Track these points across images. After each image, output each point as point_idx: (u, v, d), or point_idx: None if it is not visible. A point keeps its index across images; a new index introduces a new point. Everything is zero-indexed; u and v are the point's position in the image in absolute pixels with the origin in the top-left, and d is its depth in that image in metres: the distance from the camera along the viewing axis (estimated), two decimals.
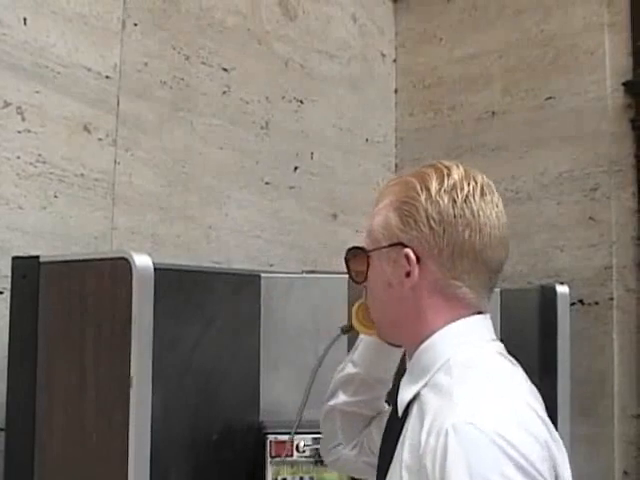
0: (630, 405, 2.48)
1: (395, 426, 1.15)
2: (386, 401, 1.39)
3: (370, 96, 3.00)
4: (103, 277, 1.58)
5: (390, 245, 1.16)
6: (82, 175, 2.08)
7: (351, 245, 1.24)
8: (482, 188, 1.14)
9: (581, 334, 2.45)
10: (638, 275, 2.50)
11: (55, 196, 2.02)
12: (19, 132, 1.95)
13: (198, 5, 2.41)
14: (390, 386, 1.38)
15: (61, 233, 2.02)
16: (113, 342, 1.55)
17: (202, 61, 2.41)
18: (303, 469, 1.85)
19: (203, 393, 1.81)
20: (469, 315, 1.14)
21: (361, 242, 1.24)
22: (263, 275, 2.00)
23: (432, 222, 1.12)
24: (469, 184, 1.14)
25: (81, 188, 2.07)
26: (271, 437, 1.85)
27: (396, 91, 3.11)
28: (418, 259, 1.13)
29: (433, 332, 1.13)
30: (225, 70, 2.48)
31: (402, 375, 1.19)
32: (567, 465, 1.08)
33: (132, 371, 1.50)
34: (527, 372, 1.15)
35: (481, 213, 1.12)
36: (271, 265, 2.54)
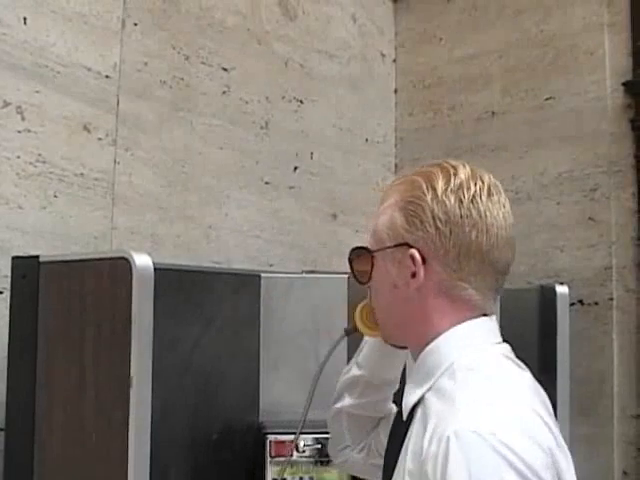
0: (630, 405, 2.48)
1: (400, 429, 1.13)
2: (394, 401, 1.37)
3: (370, 96, 3.00)
4: (103, 277, 1.58)
5: (395, 245, 1.14)
6: (82, 175, 2.08)
7: (354, 245, 1.22)
8: (489, 188, 1.12)
9: (581, 334, 2.45)
10: (638, 275, 2.50)
11: (55, 196, 2.02)
12: (19, 132, 1.95)
13: (198, 5, 2.41)
14: (397, 387, 1.36)
15: (61, 233, 2.02)
16: (113, 342, 1.55)
17: (202, 61, 2.41)
18: (303, 469, 1.85)
19: (203, 393, 1.81)
20: (475, 317, 1.13)
21: (361, 242, 1.22)
22: (263, 275, 2.00)
23: (438, 222, 1.10)
24: (476, 184, 1.12)
25: (81, 188, 2.07)
26: (271, 437, 1.85)
27: (396, 91, 3.11)
28: (424, 260, 1.11)
29: (438, 334, 1.12)
30: (225, 70, 2.48)
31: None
32: (572, 471, 1.06)
33: (132, 371, 1.50)
34: None
35: (488, 213, 1.10)
36: (271, 265, 2.54)
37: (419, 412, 1.09)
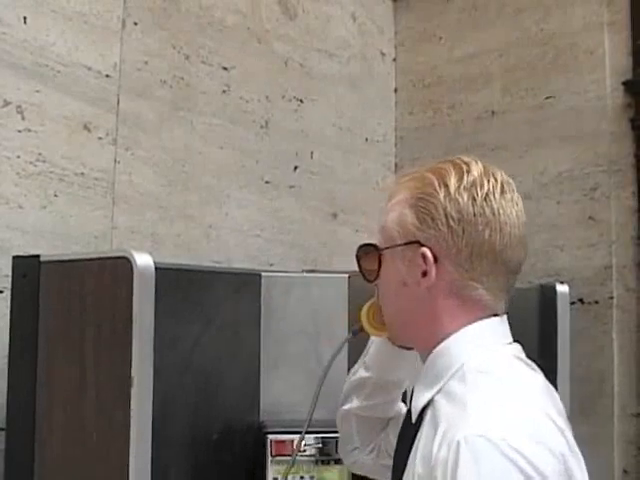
0: (630, 404, 2.48)
1: (409, 431, 1.12)
2: (403, 400, 1.36)
3: (370, 95, 3.00)
4: (104, 276, 1.58)
5: (406, 243, 1.11)
6: (82, 174, 2.08)
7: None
8: (502, 186, 1.10)
9: (581, 333, 2.45)
10: (638, 274, 2.50)
11: (55, 195, 2.01)
12: (19, 131, 1.95)
13: (198, 4, 2.41)
14: (405, 387, 1.34)
15: (61, 232, 2.02)
16: (114, 341, 1.54)
17: (202, 60, 2.41)
18: (304, 468, 1.85)
19: (203, 392, 1.81)
20: (485, 317, 1.10)
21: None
22: (263, 274, 2.00)
23: (451, 221, 1.07)
24: (489, 181, 1.09)
25: (81, 187, 2.07)
26: (272, 436, 1.85)
27: (396, 90, 3.11)
28: (435, 259, 1.08)
29: (448, 335, 1.09)
30: (225, 69, 2.48)
31: None
32: (586, 478, 1.03)
33: (133, 370, 1.50)
34: None
35: (501, 212, 1.08)
36: (271, 264, 2.54)
37: (428, 414, 1.07)
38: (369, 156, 2.97)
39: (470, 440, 0.94)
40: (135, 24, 2.23)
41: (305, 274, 2.13)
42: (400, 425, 1.21)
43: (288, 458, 1.80)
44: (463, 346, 1.09)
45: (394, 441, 1.23)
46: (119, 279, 1.54)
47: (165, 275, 1.59)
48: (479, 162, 1.12)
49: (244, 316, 1.93)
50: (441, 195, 1.08)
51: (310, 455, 1.84)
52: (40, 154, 1.98)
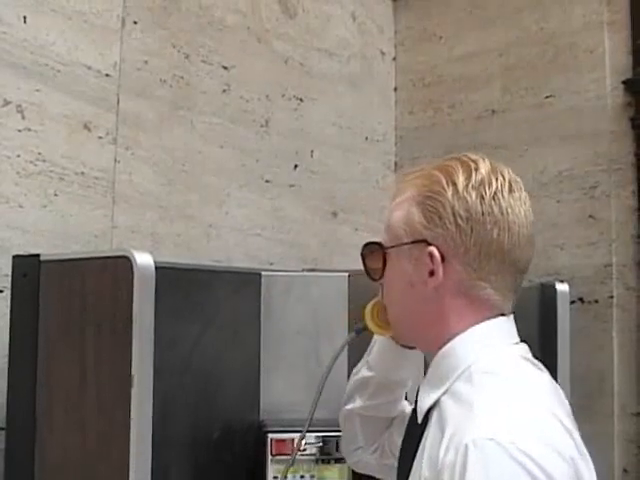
0: (630, 403, 2.48)
1: (415, 432, 1.10)
2: (406, 398, 1.35)
3: (370, 94, 3.00)
4: (104, 276, 1.58)
5: (413, 242, 1.09)
6: (82, 173, 2.08)
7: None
8: (510, 184, 1.09)
9: (581, 332, 2.45)
10: (638, 273, 2.50)
11: (55, 194, 2.01)
12: (19, 131, 1.95)
13: (198, 3, 2.41)
14: (409, 387, 1.33)
15: (61, 232, 2.02)
16: (114, 341, 1.54)
17: (202, 59, 2.41)
18: (304, 467, 1.85)
19: (203, 391, 1.81)
20: (493, 317, 1.09)
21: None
22: (263, 273, 2.00)
23: (459, 219, 1.05)
24: (497, 179, 1.08)
25: (81, 186, 2.07)
26: (272, 435, 1.85)
27: (396, 89, 3.10)
28: (443, 258, 1.07)
29: (454, 335, 1.08)
30: (225, 68, 2.47)
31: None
32: (594, 478, 1.02)
33: (133, 370, 1.50)
34: None
35: (510, 210, 1.06)
36: (271, 263, 2.53)
37: (435, 415, 1.05)
38: (369, 155, 2.97)
39: (479, 443, 0.93)
40: (135, 23, 2.23)
41: (305, 273, 2.14)
42: (404, 424, 1.20)
43: (288, 457, 1.80)
44: (470, 346, 1.07)
45: (398, 441, 1.22)
46: (119, 278, 1.54)
47: (165, 274, 1.59)
48: (486, 160, 1.11)
49: (244, 315, 1.93)
50: (449, 193, 1.07)
51: (310, 454, 1.84)
52: (40, 153, 1.98)
